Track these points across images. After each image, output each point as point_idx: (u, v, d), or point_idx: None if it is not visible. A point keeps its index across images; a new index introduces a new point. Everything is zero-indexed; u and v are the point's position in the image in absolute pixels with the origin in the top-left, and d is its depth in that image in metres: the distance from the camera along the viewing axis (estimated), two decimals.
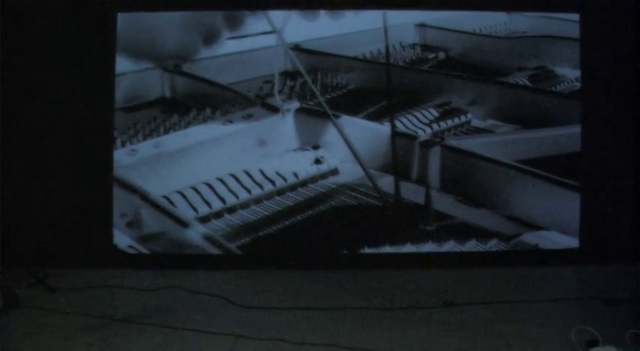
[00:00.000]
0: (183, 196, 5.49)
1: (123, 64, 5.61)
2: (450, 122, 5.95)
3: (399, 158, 5.69)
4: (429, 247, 5.63)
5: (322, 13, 5.70)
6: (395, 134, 5.69)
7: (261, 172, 5.67)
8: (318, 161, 5.79)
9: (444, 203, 5.67)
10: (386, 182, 5.70)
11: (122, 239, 5.56)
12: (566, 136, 5.66)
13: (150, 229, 5.53)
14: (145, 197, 5.44)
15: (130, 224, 5.54)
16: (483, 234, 5.60)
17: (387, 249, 5.63)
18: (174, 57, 5.70)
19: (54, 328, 4.31)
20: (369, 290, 5.10)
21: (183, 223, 5.42)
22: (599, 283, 5.19)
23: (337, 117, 5.73)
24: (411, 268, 5.55)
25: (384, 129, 5.72)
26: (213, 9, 5.68)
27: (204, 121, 5.73)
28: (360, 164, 5.66)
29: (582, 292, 4.95)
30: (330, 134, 5.77)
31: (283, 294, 5.00)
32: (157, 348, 4.05)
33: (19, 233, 5.54)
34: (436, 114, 5.95)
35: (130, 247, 5.57)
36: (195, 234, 5.42)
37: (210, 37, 5.68)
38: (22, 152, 5.60)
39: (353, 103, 5.85)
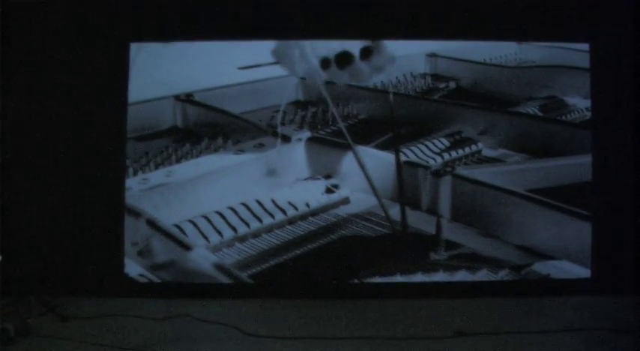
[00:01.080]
0: (195, 225, 5.50)
1: (136, 93, 5.65)
2: (460, 152, 5.97)
3: (410, 188, 5.69)
4: (439, 276, 5.62)
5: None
6: (399, 164, 5.69)
7: (273, 202, 5.68)
8: (329, 190, 5.80)
9: (454, 233, 5.66)
10: (397, 212, 5.70)
11: (133, 268, 5.57)
12: (577, 166, 5.65)
13: (161, 258, 5.54)
14: (151, 223, 5.45)
15: (141, 253, 5.55)
16: (494, 263, 5.59)
17: (398, 278, 5.62)
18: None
19: None
20: (379, 320, 5.09)
21: (187, 247, 5.43)
22: (611, 313, 5.17)
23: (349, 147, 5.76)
24: (422, 298, 5.53)
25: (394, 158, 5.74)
26: (230, 39, 5.73)
27: (216, 150, 5.76)
28: (375, 193, 5.66)
29: (594, 322, 4.91)
30: (342, 163, 5.79)
31: (294, 323, 4.99)
32: None
33: (29, 262, 5.56)
34: (447, 143, 5.97)
35: (141, 275, 5.58)
36: (201, 256, 5.42)
37: None
38: (33, 180, 5.63)
39: (363, 132, 5.87)
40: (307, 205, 5.73)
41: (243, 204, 5.62)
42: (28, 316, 4.87)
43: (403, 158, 5.73)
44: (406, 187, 5.69)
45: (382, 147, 5.80)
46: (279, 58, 5.66)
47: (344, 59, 5.57)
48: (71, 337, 4.64)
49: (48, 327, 4.86)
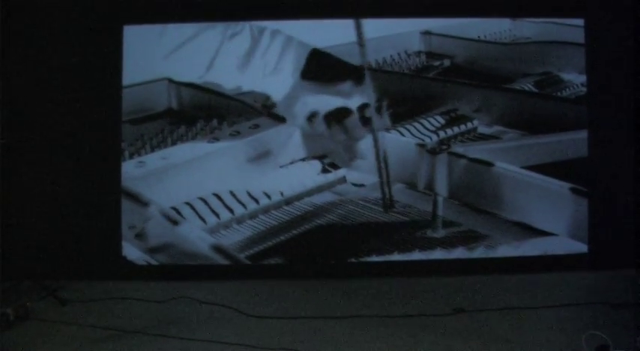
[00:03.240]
0: (192, 207, 5.51)
1: (130, 76, 5.64)
2: (456, 129, 5.95)
3: (406, 166, 5.70)
4: (437, 254, 5.63)
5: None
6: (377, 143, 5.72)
7: (269, 183, 5.68)
8: (325, 170, 5.79)
9: (451, 210, 5.68)
10: (396, 191, 5.72)
11: (131, 251, 5.58)
12: (573, 142, 5.66)
13: (158, 241, 5.55)
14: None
15: (139, 236, 5.56)
16: (492, 240, 5.60)
17: (396, 257, 5.63)
18: None
19: (65, 340, 4.32)
20: (378, 298, 5.11)
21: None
22: (609, 287, 5.18)
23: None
24: (420, 276, 5.55)
25: (393, 137, 5.73)
26: (225, 20, 5.71)
27: (211, 131, 5.75)
28: (380, 176, 5.67)
29: (592, 297, 4.93)
30: (337, 143, 5.79)
31: (292, 303, 5.01)
32: None
33: (28, 246, 5.56)
34: (442, 121, 5.95)
35: (140, 258, 5.59)
36: (198, 237, 5.46)
37: None
38: (30, 165, 5.63)
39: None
40: (303, 185, 5.73)
41: (240, 186, 5.62)
42: (28, 300, 4.87)
43: (399, 136, 5.76)
44: (402, 166, 5.70)
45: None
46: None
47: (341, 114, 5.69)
48: (71, 320, 4.65)
49: (47, 311, 4.87)
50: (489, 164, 5.54)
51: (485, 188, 5.57)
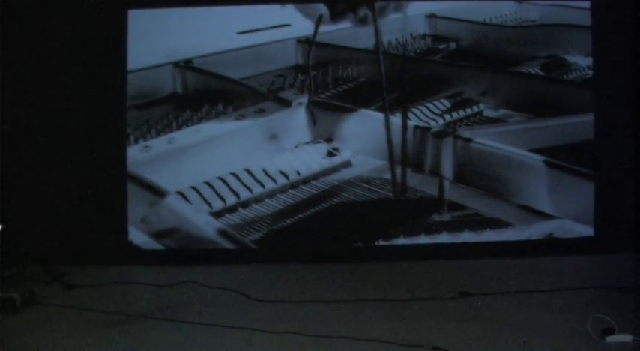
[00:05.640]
0: (198, 192, 5.52)
1: (135, 61, 5.64)
2: (462, 113, 5.94)
3: (412, 149, 5.69)
4: (443, 238, 5.64)
5: None
6: (388, 125, 5.69)
7: (274, 166, 5.68)
8: (331, 154, 5.79)
9: (457, 194, 5.67)
10: (399, 174, 5.72)
11: (137, 235, 5.60)
12: (579, 125, 5.65)
13: (165, 225, 5.56)
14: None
15: (144, 220, 5.57)
16: (498, 224, 5.60)
17: (402, 240, 5.64)
18: None
19: (71, 324, 4.33)
20: (384, 282, 5.11)
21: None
22: (615, 271, 5.18)
23: (353, 110, 5.75)
24: (426, 260, 5.55)
25: (396, 121, 5.72)
26: (225, 4, 5.70)
27: (217, 116, 5.75)
28: (391, 160, 5.68)
29: (597, 281, 4.92)
30: (342, 127, 5.78)
31: (298, 287, 5.01)
32: (173, 343, 4.06)
33: (35, 232, 5.58)
34: (448, 105, 5.94)
35: (146, 243, 5.60)
36: (205, 222, 5.47)
37: None
38: (36, 151, 5.64)
39: (364, 95, 5.85)
40: (309, 169, 5.73)
41: (245, 169, 5.63)
42: (34, 284, 4.89)
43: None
44: (408, 150, 5.70)
45: (382, 109, 5.78)
46: None
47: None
48: (77, 305, 4.67)
49: (54, 295, 4.88)
50: (493, 147, 5.54)
51: (491, 172, 5.56)
